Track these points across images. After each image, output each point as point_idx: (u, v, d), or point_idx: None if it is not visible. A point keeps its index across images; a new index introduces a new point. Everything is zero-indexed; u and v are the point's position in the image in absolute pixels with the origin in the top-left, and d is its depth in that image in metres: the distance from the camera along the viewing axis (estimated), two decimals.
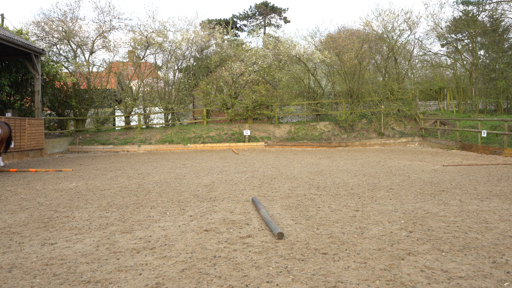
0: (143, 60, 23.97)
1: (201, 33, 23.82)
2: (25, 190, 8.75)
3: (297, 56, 22.48)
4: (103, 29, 22.95)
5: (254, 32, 29.51)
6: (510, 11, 23.06)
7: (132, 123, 24.31)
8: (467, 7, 23.83)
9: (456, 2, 24.35)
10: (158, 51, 23.77)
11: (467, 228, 5.28)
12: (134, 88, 24.00)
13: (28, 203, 7.35)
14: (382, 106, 21.70)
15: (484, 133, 15.79)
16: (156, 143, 20.98)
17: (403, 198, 7.29)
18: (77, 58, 22.88)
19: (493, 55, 22.86)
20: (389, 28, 22.50)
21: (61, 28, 21.98)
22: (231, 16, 45.78)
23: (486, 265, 3.98)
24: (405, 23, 22.58)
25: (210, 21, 25.73)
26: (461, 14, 23.98)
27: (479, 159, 13.73)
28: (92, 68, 23.48)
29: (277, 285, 3.59)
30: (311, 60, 23.09)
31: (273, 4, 44.27)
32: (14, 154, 15.89)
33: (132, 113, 23.68)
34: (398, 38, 22.60)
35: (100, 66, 24.10)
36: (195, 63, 24.52)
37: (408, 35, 23.25)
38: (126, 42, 23.59)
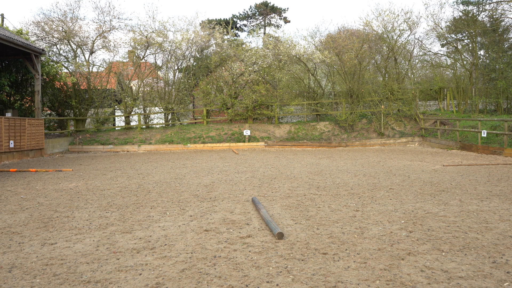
0: (143, 60, 23.97)
1: (201, 33, 23.82)
2: (25, 190, 8.75)
3: (297, 56, 22.48)
4: (103, 29, 22.96)
5: (254, 32, 29.51)
6: (510, 11, 23.06)
7: (132, 123, 24.32)
8: (467, 7, 23.84)
9: (456, 2, 24.35)
10: (158, 51, 23.78)
11: (467, 228, 5.28)
12: (134, 88, 24.00)
13: (28, 203, 7.35)
14: (382, 106, 21.70)
15: (484, 133, 15.79)
16: (156, 143, 20.98)
17: (403, 198, 7.29)
18: (77, 58, 22.88)
19: (493, 55, 22.86)
20: (389, 28, 22.51)
21: (61, 28, 21.98)
22: (231, 16, 45.79)
23: (486, 265, 3.98)
24: (405, 23, 22.59)
25: (210, 21, 25.73)
26: (461, 14, 23.98)
27: (479, 159, 13.73)
28: (92, 68, 23.49)
29: (277, 285, 3.59)
30: (311, 60, 23.09)
31: (273, 4, 44.27)
32: (14, 154, 15.90)
33: (132, 113, 23.68)
34: (398, 38, 22.61)
35: (100, 66, 24.11)
36: (195, 63, 24.52)
37: (408, 35, 23.27)
38: (126, 42, 23.60)
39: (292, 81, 24.64)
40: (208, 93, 23.20)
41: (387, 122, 21.92)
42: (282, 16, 45.37)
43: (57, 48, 22.72)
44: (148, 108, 23.95)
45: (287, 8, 48.17)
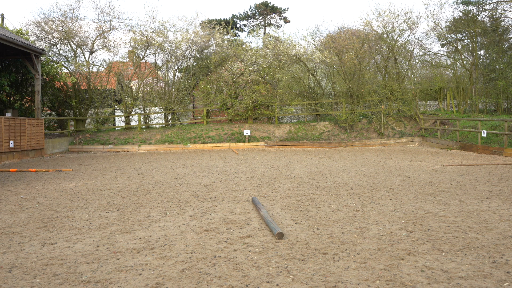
0: (143, 60, 23.97)
1: (201, 33, 23.82)
2: (25, 190, 8.75)
3: (297, 56, 22.48)
4: (103, 29, 22.96)
5: (254, 32, 29.52)
6: (510, 11, 23.07)
7: (132, 123, 24.31)
8: (467, 7, 23.84)
9: (456, 2, 24.35)
10: (158, 51, 23.78)
11: (467, 228, 5.29)
12: (134, 88, 24.00)
13: (28, 203, 7.35)
14: (382, 106, 21.70)
15: (484, 133, 15.79)
16: (156, 143, 20.98)
17: (403, 198, 7.29)
18: (77, 58, 22.88)
19: (493, 55, 22.86)
20: (389, 28, 22.51)
21: (61, 28, 21.98)
22: (231, 16, 45.79)
23: (486, 265, 3.98)
24: (405, 23, 22.59)
25: (210, 21, 25.73)
26: (461, 14, 23.98)
27: (479, 159, 13.73)
28: (92, 68, 23.49)
29: (277, 285, 3.59)
30: (311, 60, 23.09)
31: (273, 4, 44.27)
32: (14, 154, 15.90)
33: (132, 113, 23.68)
34: (398, 38, 22.61)
35: (100, 66, 24.11)
36: (195, 63, 24.52)
37: (408, 35, 23.27)
38: (126, 42, 23.60)
39: (292, 81, 24.64)
40: (208, 93, 23.20)
41: (387, 122, 21.93)
42: (282, 16, 45.37)
43: (57, 48, 22.72)
44: (148, 108, 23.95)
45: (287, 8, 48.17)
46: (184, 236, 5.08)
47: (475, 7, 23.64)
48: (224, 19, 41.55)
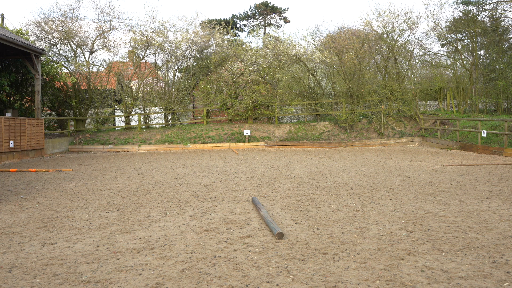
0: (143, 60, 23.97)
1: (201, 33, 23.82)
2: (25, 190, 8.75)
3: (297, 56, 22.48)
4: (103, 29, 22.96)
5: (254, 32, 29.52)
6: (510, 11, 23.06)
7: (132, 123, 24.31)
8: (467, 7, 23.84)
9: (456, 2, 24.35)
10: (158, 51, 23.78)
11: (467, 228, 5.29)
12: (134, 88, 24.00)
13: (28, 203, 7.35)
14: (382, 106, 21.70)
15: (484, 133, 15.79)
16: (156, 143, 20.98)
17: (403, 198, 7.29)
18: (77, 58, 22.88)
19: (493, 55, 22.86)
20: (389, 28, 22.51)
21: (61, 28, 21.98)
22: (231, 16, 45.78)
23: (486, 265, 3.98)
24: (405, 23, 22.59)
25: (210, 21, 25.73)
26: (461, 14, 23.98)
27: (479, 159, 13.73)
28: (92, 68, 23.49)
29: (277, 285, 3.59)
30: (311, 60, 23.08)
31: (273, 4, 44.26)
32: (14, 154, 15.90)
33: (132, 113, 23.68)
34: (398, 38, 22.61)
35: (100, 66, 24.11)
36: (195, 63, 24.52)
37: (408, 35, 23.26)
38: (126, 42, 23.60)
39: (292, 81, 24.64)
40: (208, 93, 23.20)
41: (387, 122, 21.93)
42: (282, 16, 45.37)
43: (57, 48, 22.72)
44: (148, 108, 23.95)
45: (287, 8, 48.18)
46: (184, 236, 5.08)
47: (475, 7, 23.65)
48: (224, 19, 41.55)
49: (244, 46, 23.85)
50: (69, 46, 22.70)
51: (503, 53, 22.24)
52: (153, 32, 23.04)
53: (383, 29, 22.60)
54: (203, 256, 4.35)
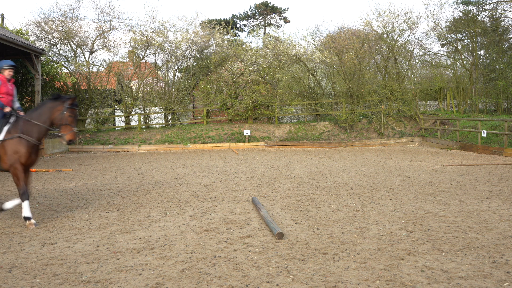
0: (143, 60, 23.96)
1: (201, 33, 23.82)
2: None
3: (297, 56, 22.48)
4: (103, 29, 22.95)
5: (254, 32, 29.52)
6: (510, 11, 23.06)
7: (132, 123, 24.30)
8: (467, 7, 23.83)
9: (456, 2, 24.34)
10: (158, 51, 23.77)
11: (467, 228, 5.29)
12: (134, 88, 24.00)
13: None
14: (382, 106, 21.70)
15: (484, 133, 15.78)
16: (156, 143, 20.98)
17: (403, 198, 7.29)
18: (77, 58, 22.88)
19: (493, 55, 22.85)
20: (389, 28, 22.50)
21: (61, 28, 21.98)
22: (231, 16, 45.77)
23: (486, 265, 3.98)
24: (405, 23, 22.58)
25: (210, 21, 25.71)
26: (461, 14, 23.97)
27: (479, 159, 13.74)
28: (92, 68, 23.48)
29: (277, 285, 3.59)
30: (311, 60, 23.08)
31: (273, 4, 44.25)
32: None
33: (132, 113, 23.68)
34: (398, 38, 22.60)
35: (100, 66, 24.11)
36: (195, 63, 24.52)
37: (408, 35, 23.26)
38: (126, 42, 23.59)
39: (292, 81, 24.63)
40: (208, 93, 23.20)
41: (387, 122, 21.92)
42: (282, 16, 45.37)
43: (57, 48, 22.72)
44: (148, 108, 23.94)
45: (287, 8, 48.19)
46: (184, 236, 5.08)
47: (475, 7, 23.64)
48: (224, 19, 41.54)
49: (244, 46, 23.84)
50: (69, 46, 22.70)
51: (503, 53, 22.24)
52: (153, 32, 23.04)
53: (383, 29, 22.60)
54: (203, 256, 4.35)
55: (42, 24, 21.87)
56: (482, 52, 25.08)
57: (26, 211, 5.65)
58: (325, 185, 8.76)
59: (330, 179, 9.69)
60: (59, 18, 22.23)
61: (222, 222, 5.76)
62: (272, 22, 45.54)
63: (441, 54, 25.46)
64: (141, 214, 6.32)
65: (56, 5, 40.13)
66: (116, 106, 24.49)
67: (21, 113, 6.09)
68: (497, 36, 23.52)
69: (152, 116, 24.78)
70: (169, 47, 23.34)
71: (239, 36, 41.22)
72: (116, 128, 23.47)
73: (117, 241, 4.94)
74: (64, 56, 22.92)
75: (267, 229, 5.34)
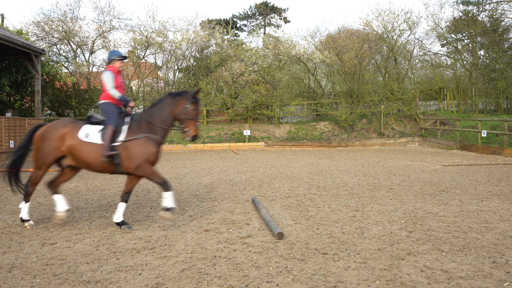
0: (143, 60, 23.97)
1: (201, 33, 23.82)
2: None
3: (297, 56, 22.48)
4: (103, 29, 22.97)
5: (254, 32, 29.51)
6: (510, 11, 23.06)
7: None
8: (467, 7, 23.83)
9: (456, 2, 24.34)
10: (158, 51, 23.78)
11: (467, 228, 5.28)
12: (134, 88, 24.00)
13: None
14: (382, 106, 21.70)
15: (484, 133, 15.79)
16: None
17: (403, 198, 7.29)
18: (77, 58, 22.89)
19: (493, 55, 22.85)
20: (389, 28, 22.50)
21: (61, 28, 21.99)
22: (231, 16, 45.74)
23: (486, 265, 3.98)
24: (405, 23, 22.59)
25: (210, 21, 25.72)
26: (461, 14, 23.97)
27: (479, 159, 13.73)
28: (92, 68, 23.49)
29: (277, 285, 3.59)
30: (311, 60, 23.08)
31: (273, 4, 44.23)
32: None
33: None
34: (398, 38, 22.61)
35: (100, 66, 24.11)
36: (195, 63, 24.52)
37: (408, 35, 23.26)
38: (126, 42, 23.61)
39: (292, 81, 24.64)
40: (208, 93, 23.20)
41: (387, 122, 21.92)
42: (282, 16, 45.36)
43: (57, 48, 22.73)
44: None
45: (287, 8, 48.20)
46: (184, 236, 5.08)
47: (475, 7, 23.64)
48: (224, 19, 41.52)
49: (244, 46, 23.85)
50: (69, 46, 22.72)
51: (503, 53, 22.24)
52: (153, 32, 23.04)
53: (383, 29, 22.61)
54: (203, 256, 4.35)
55: (42, 24, 21.89)
56: (482, 52, 25.09)
57: (169, 202, 5.31)
58: (325, 185, 8.76)
59: (330, 179, 9.69)
60: (59, 18, 22.26)
61: (222, 222, 5.76)
62: (272, 22, 45.53)
63: (441, 54, 25.47)
64: (141, 214, 6.32)
65: (56, 5, 40.16)
66: None
67: (132, 104, 5.73)
68: (497, 36, 23.51)
69: None
70: (169, 47, 23.35)
71: (239, 36, 41.21)
72: None
73: (117, 241, 4.94)
74: (64, 56, 22.94)
75: (267, 229, 5.33)
